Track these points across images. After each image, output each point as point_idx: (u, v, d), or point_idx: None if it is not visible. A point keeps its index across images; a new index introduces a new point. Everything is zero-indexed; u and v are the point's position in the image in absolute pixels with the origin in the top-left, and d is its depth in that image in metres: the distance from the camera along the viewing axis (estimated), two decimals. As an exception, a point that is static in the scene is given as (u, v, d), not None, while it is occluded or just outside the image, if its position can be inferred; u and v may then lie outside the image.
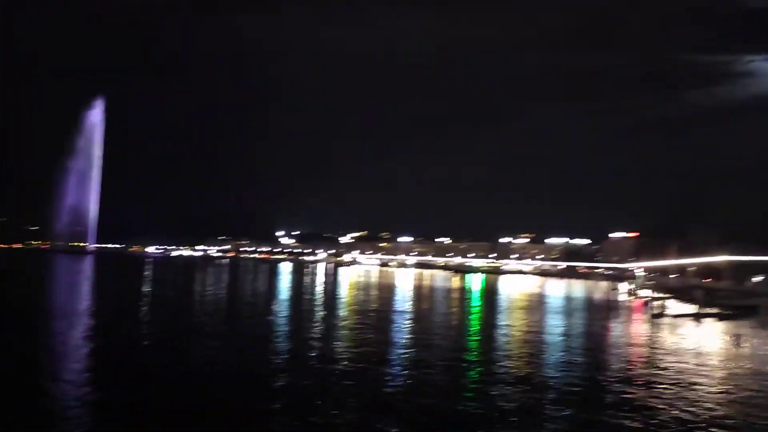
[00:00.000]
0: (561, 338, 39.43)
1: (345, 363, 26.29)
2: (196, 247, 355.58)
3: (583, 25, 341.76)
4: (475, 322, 48.50)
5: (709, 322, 55.79)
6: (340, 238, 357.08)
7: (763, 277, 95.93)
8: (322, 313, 49.47)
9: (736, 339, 43.52)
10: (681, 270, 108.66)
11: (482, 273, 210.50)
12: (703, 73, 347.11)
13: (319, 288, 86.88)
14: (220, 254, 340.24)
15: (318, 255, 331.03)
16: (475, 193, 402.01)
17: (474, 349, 33.27)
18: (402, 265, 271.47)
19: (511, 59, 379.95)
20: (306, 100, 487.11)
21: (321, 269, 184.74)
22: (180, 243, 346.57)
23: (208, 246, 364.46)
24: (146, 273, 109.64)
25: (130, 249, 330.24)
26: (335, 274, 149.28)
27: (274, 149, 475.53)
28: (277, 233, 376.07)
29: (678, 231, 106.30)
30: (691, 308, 64.15)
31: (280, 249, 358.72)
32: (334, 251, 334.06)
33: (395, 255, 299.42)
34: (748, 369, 29.59)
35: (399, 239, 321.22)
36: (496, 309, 62.95)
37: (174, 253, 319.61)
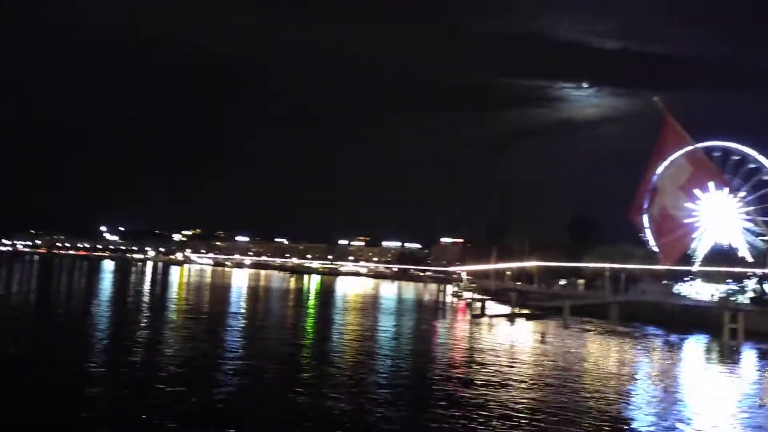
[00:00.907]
0: (392, 338, 40.79)
1: (171, 369, 24.79)
2: (3, 241, 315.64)
3: (429, 50, 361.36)
4: (310, 323, 48.48)
5: (521, 322, 61.23)
6: (173, 236, 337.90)
7: (565, 282, 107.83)
8: (146, 315, 46.29)
9: (543, 337, 48.24)
10: (499, 274, 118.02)
11: (319, 274, 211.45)
12: (524, 96, 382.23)
13: (146, 288, 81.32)
14: (29, 250, 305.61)
15: (148, 253, 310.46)
16: (314, 195, 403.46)
17: (308, 351, 33.16)
18: (238, 265, 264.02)
19: (364, 68, 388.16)
20: (145, 94, 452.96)
21: (150, 268, 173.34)
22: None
23: (19, 240, 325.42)
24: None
25: None
26: (166, 273, 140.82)
27: (103, 142, 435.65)
28: (102, 228, 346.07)
29: (497, 238, 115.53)
30: (506, 309, 69.86)
31: (103, 246, 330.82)
32: (164, 249, 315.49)
33: (231, 254, 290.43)
34: (552, 363, 32.82)
35: (236, 239, 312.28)
36: (332, 309, 63.50)
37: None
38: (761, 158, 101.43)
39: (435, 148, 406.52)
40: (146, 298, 64.01)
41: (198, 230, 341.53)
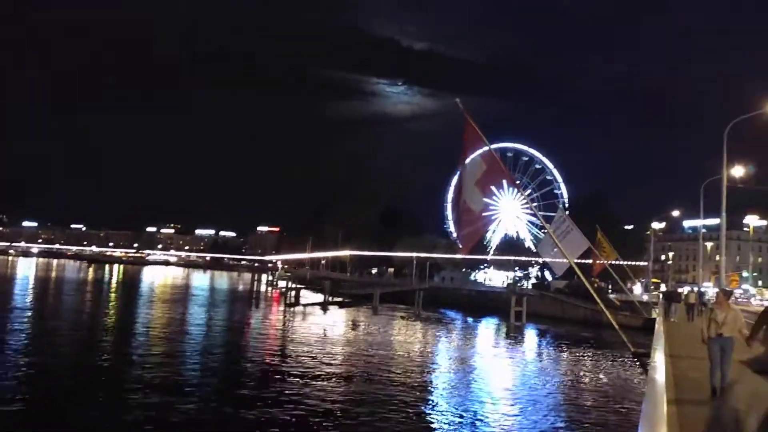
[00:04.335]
0: (202, 331, 39.01)
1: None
2: None
3: (250, 33, 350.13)
4: (110, 319, 44.43)
5: (334, 310, 62.50)
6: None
7: (376, 270, 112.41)
8: None
9: (354, 324, 49.72)
10: (315, 263, 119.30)
11: (123, 264, 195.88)
12: (345, 89, 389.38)
13: None
14: None
15: None
16: (119, 178, 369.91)
17: (107, 351, 30.26)
18: (25, 253, 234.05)
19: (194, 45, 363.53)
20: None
21: None
22: None
23: None
24: None
25: None
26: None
27: None
28: None
29: (314, 227, 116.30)
30: (320, 297, 70.85)
31: None
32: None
33: (16, 242, 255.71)
34: (362, 352, 33.84)
35: (23, 224, 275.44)
36: (137, 302, 59.02)
37: None
38: (545, 160, 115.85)
39: (256, 134, 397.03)
40: None
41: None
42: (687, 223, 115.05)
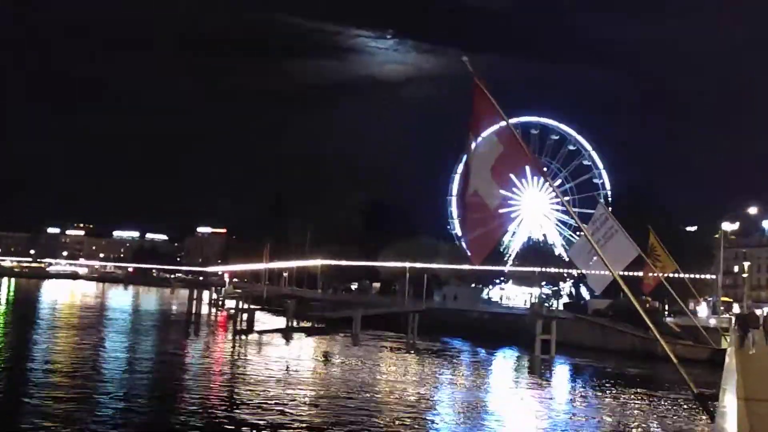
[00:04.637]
0: (122, 367, 38.77)
1: None
2: None
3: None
4: (-4, 352, 44.07)
5: (300, 339, 62.40)
6: None
7: (356, 285, 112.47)
8: None
9: (326, 357, 49.67)
10: (274, 275, 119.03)
11: (16, 276, 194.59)
12: (314, 45, 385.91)
13: None
14: None
15: None
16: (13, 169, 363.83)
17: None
18: None
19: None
20: None
21: None
22: None
23: None
24: None
25: None
26: None
27: None
28: None
29: (273, 228, 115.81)
30: (282, 322, 70.69)
31: None
32: None
33: None
34: (338, 398, 33.76)
35: None
36: (33, 328, 58.52)
37: None
38: (581, 139, 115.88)
39: (193, 107, 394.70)
40: None
41: None
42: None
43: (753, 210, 69.57)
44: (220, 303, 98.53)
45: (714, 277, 72.29)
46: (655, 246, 41.34)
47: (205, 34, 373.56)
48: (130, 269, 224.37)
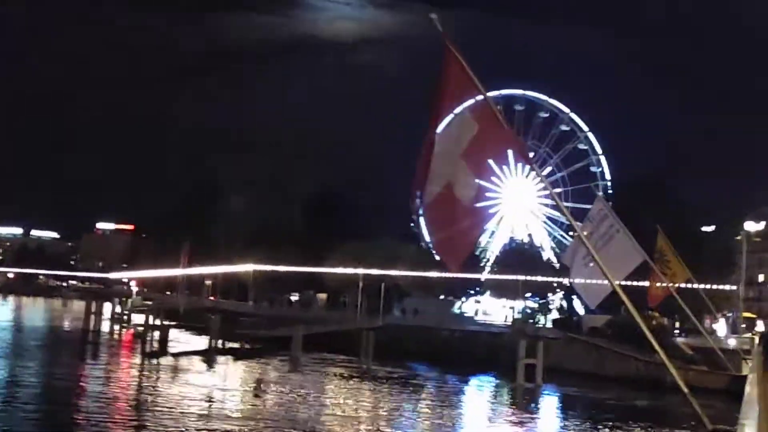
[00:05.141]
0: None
1: None
2: None
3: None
4: None
5: (226, 363, 62.05)
6: None
7: (297, 296, 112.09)
8: None
9: (259, 387, 49.48)
10: (194, 284, 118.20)
11: None
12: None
13: None
14: None
15: None
16: None
17: None
18: None
19: None
20: None
21: None
22: None
23: None
24: None
25: None
26: None
27: None
28: None
29: (191, 225, 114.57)
30: (204, 342, 70.15)
31: None
32: None
33: None
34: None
35: None
36: None
37: None
38: (576, 118, 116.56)
39: (91, 75, 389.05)
40: None
41: None
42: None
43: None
44: (125, 318, 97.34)
45: (735, 288, 73.57)
46: (664, 250, 41.83)
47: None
48: (10, 275, 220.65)
